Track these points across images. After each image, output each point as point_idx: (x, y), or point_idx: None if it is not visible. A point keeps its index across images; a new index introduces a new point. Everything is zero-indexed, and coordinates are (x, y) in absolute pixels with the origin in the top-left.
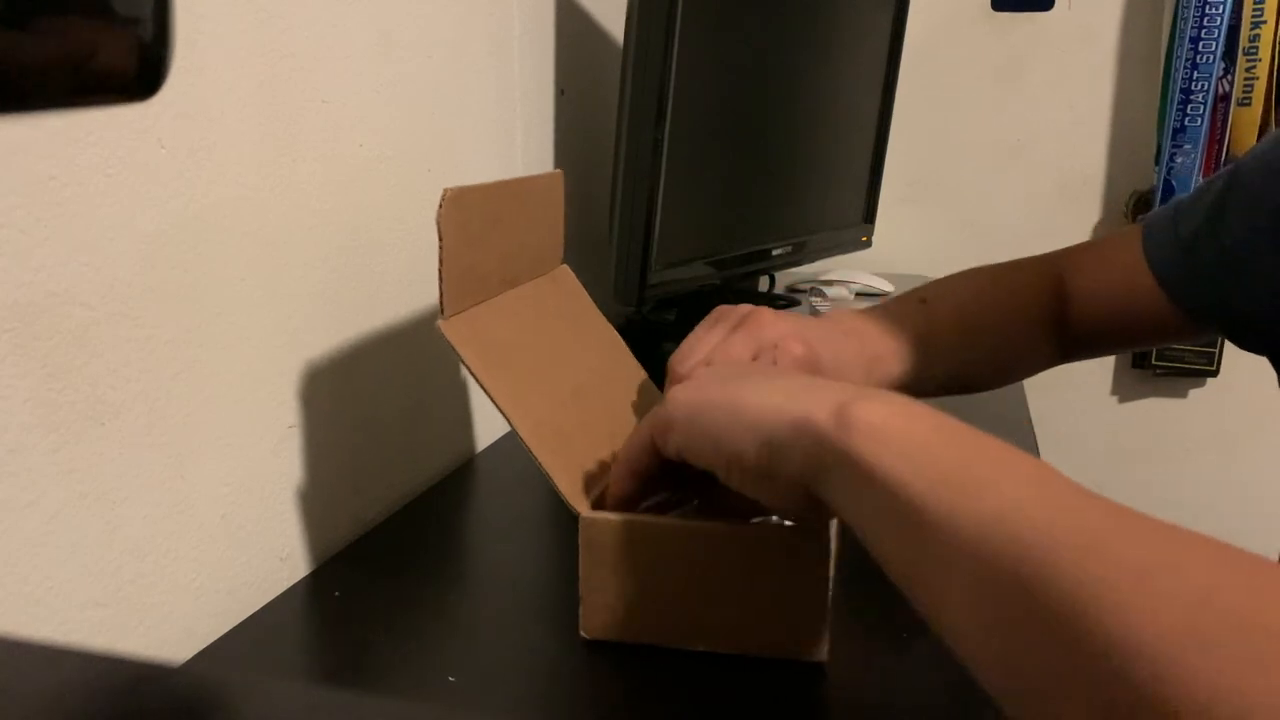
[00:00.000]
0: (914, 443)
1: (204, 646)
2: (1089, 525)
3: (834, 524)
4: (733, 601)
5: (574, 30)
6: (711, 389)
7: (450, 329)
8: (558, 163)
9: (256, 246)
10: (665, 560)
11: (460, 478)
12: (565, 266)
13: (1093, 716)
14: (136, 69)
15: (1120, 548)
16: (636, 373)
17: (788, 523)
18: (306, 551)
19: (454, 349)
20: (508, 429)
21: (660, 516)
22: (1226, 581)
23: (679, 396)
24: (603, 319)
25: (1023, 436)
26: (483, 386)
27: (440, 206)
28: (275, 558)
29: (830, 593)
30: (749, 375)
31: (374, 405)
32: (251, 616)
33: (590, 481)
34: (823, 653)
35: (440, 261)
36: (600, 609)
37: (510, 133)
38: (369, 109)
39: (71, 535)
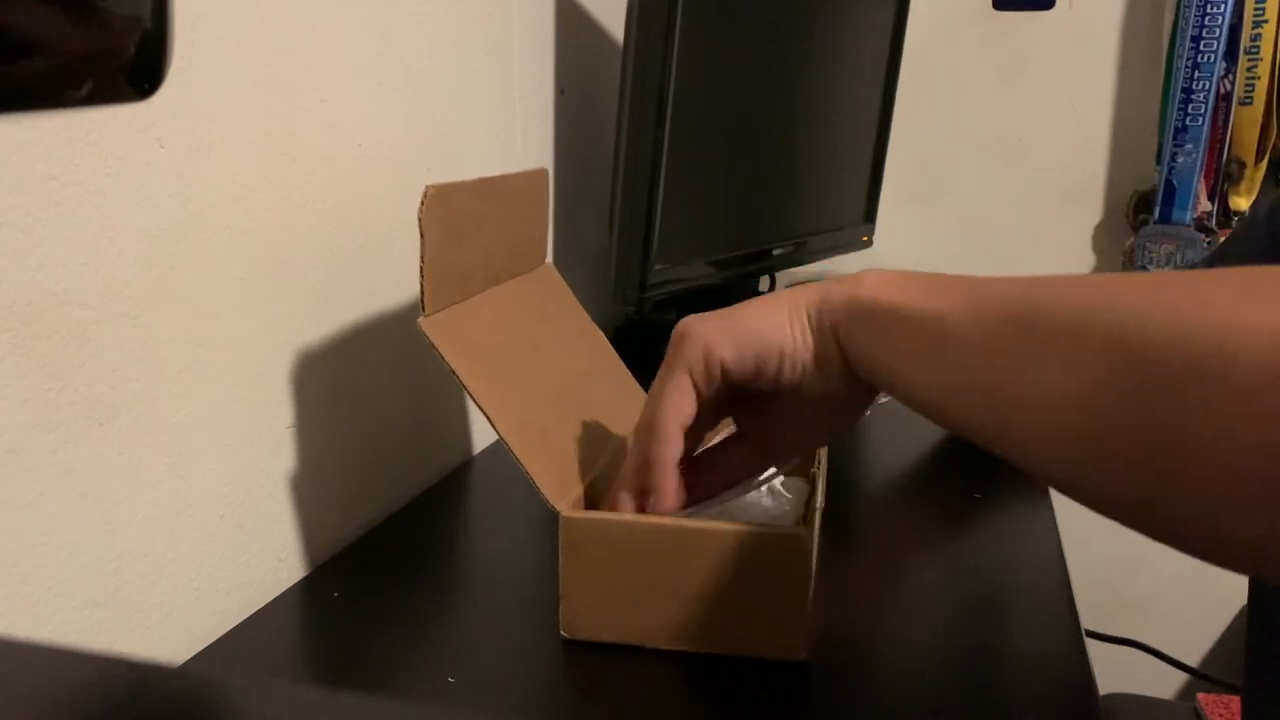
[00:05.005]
0: (930, 282)
1: (204, 646)
2: (1171, 296)
3: (817, 526)
4: (713, 601)
5: (574, 30)
6: (722, 311)
7: (430, 327)
8: (558, 162)
9: (255, 246)
10: (646, 560)
11: (460, 477)
12: (549, 265)
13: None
14: (136, 69)
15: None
16: (621, 372)
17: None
18: (306, 552)
19: (434, 347)
20: None
21: (641, 516)
22: None
23: (699, 323)
24: (587, 318)
25: None
26: (462, 384)
27: (422, 204)
28: (274, 558)
29: (811, 592)
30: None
31: (373, 405)
32: (251, 617)
33: (572, 481)
34: (802, 652)
35: (421, 259)
36: (580, 609)
37: (510, 132)
38: (369, 108)
39: (71, 535)
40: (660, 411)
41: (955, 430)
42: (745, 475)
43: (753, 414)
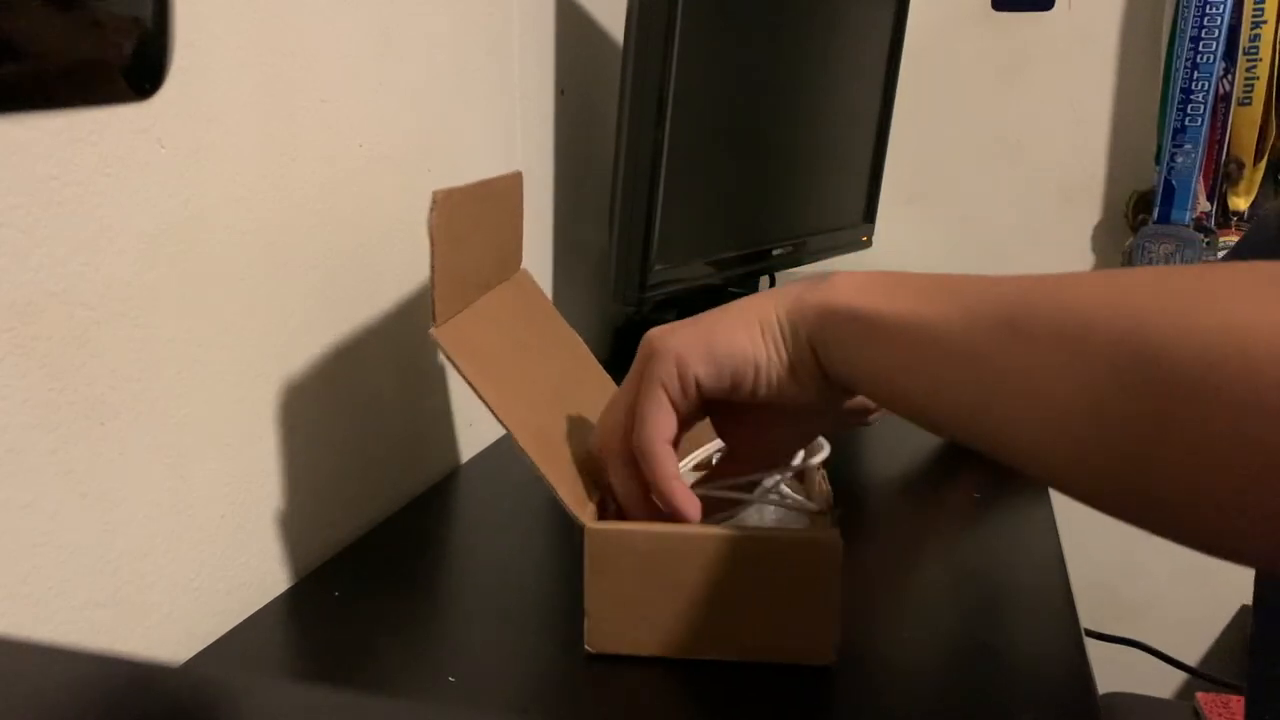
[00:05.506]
0: (908, 284)
1: (204, 647)
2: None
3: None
4: (743, 608)
5: (574, 30)
6: (690, 323)
7: (443, 336)
8: (558, 162)
9: (256, 246)
10: (673, 569)
11: (461, 478)
12: (525, 269)
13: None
14: (136, 69)
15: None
16: (601, 376)
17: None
18: (306, 551)
19: (449, 357)
20: (504, 430)
21: (667, 525)
22: None
23: (668, 336)
24: (564, 322)
25: None
26: (479, 395)
27: (432, 210)
28: (274, 558)
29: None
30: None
31: (374, 404)
32: (251, 616)
33: (587, 490)
34: (831, 655)
35: (432, 267)
36: (606, 622)
37: (510, 132)
38: (369, 108)
39: (71, 535)
40: (646, 436)
41: (946, 434)
42: (734, 490)
43: (731, 424)
